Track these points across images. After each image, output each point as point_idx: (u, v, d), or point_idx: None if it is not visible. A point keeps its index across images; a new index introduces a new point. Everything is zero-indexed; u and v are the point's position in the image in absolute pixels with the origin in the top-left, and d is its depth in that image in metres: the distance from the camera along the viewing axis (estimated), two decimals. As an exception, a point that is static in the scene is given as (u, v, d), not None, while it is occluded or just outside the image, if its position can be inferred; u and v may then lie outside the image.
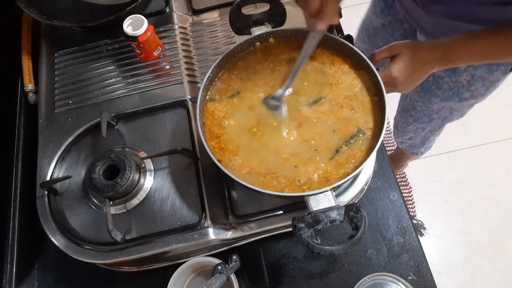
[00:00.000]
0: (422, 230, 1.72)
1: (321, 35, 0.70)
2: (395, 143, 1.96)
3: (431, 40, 0.77)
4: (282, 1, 0.77)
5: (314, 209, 0.61)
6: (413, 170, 1.84)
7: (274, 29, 0.77)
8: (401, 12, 1.00)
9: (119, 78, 0.90)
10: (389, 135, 1.98)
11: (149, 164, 0.80)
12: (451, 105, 1.09)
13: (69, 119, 0.86)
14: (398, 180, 1.35)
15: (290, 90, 0.75)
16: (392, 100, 1.17)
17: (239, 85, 0.76)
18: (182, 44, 0.93)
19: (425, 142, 1.41)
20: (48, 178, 0.79)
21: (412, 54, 0.75)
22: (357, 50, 0.73)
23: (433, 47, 0.75)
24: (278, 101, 0.73)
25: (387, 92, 0.71)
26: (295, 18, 0.94)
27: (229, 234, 0.74)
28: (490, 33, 0.72)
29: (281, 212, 0.75)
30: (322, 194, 0.62)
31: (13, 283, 0.76)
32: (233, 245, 0.77)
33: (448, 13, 0.79)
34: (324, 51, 0.78)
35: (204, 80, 0.72)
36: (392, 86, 0.77)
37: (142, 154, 0.81)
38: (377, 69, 0.72)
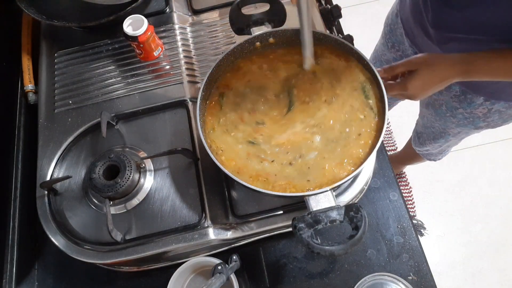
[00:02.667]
0: (422, 230, 1.72)
1: None
2: (395, 143, 1.96)
3: (450, 54, 0.75)
4: (282, 1, 0.77)
5: (314, 209, 0.61)
6: (413, 170, 1.84)
7: (274, 29, 0.77)
8: (412, 50, 0.99)
9: (119, 78, 0.90)
10: (389, 135, 1.98)
11: (149, 164, 0.80)
12: (467, 130, 1.08)
13: (69, 119, 0.86)
14: (398, 180, 1.35)
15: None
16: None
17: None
18: (182, 44, 0.93)
19: (442, 153, 1.42)
20: (48, 178, 0.79)
21: (430, 71, 0.74)
22: (357, 50, 0.73)
23: (453, 62, 0.74)
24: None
25: (399, 98, 0.71)
26: (295, 18, 0.93)
27: (229, 234, 0.74)
28: (509, 52, 0.70)
29: (281, 212, 0.75)
30: (322, 194, 0.62)
31: (13, 283, 0.76)
32: (233, 245, 0.77)
33: (467, 50, 0.76)
34: (323, 50, 0.77)
35: (204, 80, 0.72)
36: (406, 97, 0.78)
37: (142, 154, 0.81)
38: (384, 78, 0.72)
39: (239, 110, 0.74)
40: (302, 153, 0.69)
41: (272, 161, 0.69)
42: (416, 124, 1.37)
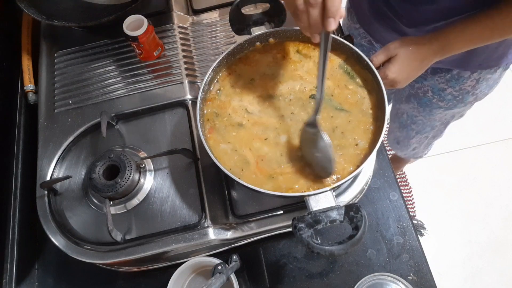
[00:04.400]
0: (422, 230, 1.72)
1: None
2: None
3: (424, 35, 0.76)
4: (282, 1, 0.77)
5: (314, 209, 0.61)
6: (413, 170, 1.84)
7: (274, 29, 0.77)
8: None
9: (119, 78, 0.90)
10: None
11: (149, 164, 0.80)
12: (454, 110, 1.08)
13: (69, 119, 0.86)
14: (398, 180, 1.35)
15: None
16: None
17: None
18: (182, 44, 0.93)
19: (428, 146, 1.41)
20: (48, 178, 0.79)
21: (408, 53, 0.74)
22: (357, 50, 0.73)
23: (430, 40, 0.74)
24: (314, 126, 0.65)
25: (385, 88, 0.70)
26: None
27: (229, 234, 0.74)
28: (488, 15, 0.71)
29: (281, 212, 0.75)
30: (322, 194, 0.62)
31: (13, 283, 0.76)
32: (233, 245, 0.77)
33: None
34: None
35: (204, 80, 0.72)
36: (390, 85, 0.77)
37: (142, 154, 0.81)
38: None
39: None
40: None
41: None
42: (389, 132, 1.35)
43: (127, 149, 0.82)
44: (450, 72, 0.94)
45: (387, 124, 0.69)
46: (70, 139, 0.84)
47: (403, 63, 0.74)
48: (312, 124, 0.65)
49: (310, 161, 0.67)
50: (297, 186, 0.67)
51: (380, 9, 0.87)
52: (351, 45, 0.74)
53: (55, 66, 0.94)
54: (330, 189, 0.62)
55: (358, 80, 0.74)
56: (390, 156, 1.57)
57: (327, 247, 0.57)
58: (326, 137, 0.64)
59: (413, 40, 0.76)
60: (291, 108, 0.73)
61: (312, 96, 0.73)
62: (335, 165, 0.65)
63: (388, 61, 0.76)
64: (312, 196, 0.62)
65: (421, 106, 1.08)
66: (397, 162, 1.72)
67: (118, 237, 0.71)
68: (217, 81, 0.76)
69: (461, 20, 0.73)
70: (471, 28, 0.73)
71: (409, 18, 0.83)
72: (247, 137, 0.71)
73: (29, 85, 0.93)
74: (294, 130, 0.71)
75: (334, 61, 0.76)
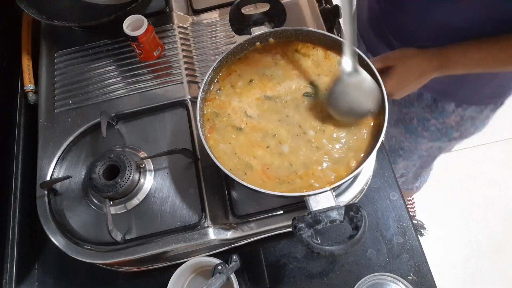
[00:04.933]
0: (422, 230, 1.72)
1: None
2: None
3: (426, 49, 0.74)
4: (282, 1, 0.77)
5: (314, 209, 0.61)
6: (413, 170, 1.84)
7: (274, 29, 0.77)
8: None
9: (119, 78, 0.90)
10: (389, 135, 1.98)
11: (149, 164, 0.80)
12: (440, 144, 1.05)
13: (69, 119, 0.86)
14: (398, 179, 1.34)
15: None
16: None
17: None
18: (182, 44, 0.93)
19: (418, 178, 1.37)
20: (48, 178, 0.79)
21: (407, 66, 0.72)
22: (357, 50, 0.73)
23: (430, 56, 0.72)
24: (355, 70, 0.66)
25: None
26: (295, 18, 0.94)
27: (229, 234, 0.74)
28: (493, 41, 0.69)
29: (281, 212, 0.74)
30: (322, 194, 0.62)
31: (13, 283, 0.76)
32: (233, 245, 0.77)
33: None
34: (322, 50, 0.77)
35: (204, 80, 0.72)
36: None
37: (142, 154, 0.81)
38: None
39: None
40: (302, 152, 0.69)
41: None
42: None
43: (127, 149, 0.82)
44: (435, 103, 0.92)
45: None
46: (70, 139, 0.84)
47: (400, 76, 0.73)
48: (350, 73, 0.66)
49: (347, 111, 0.67)
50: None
51: (377, 19, 0.85)
52: (351, 45, 0.74)
53: (55, 66, 0.94)
54: (330, 189, 0.62)
55: None
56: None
57: (327, 247, 0.57)
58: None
59: (414, 52, 0.74)
60: (285, 110, 0.73)
61: (305, 94, 0.73)
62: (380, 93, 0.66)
63: (385, 71, 0.74)
64: (312, 196, 0.62)
65: (408, 132, 1.06)
66: None
67: (118, 237, 0.71)
68: (217, 81, 0.76)
69: (465, 41, 0.71)
70: (473, 51, 0.71)
71: (394, 27, 0.80)
72: (246, 144, 0.71)
73: (29, 85, 0.93)
74: (292, 137, 0.70)
75: (333, 59, 0.76)
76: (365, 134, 0.70)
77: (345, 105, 0.68)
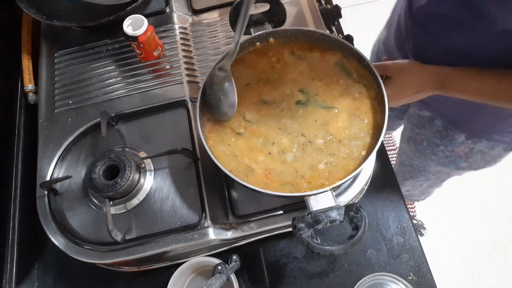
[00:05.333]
0: (422, 230, 1.72)
1: None
2: (395, 142, 1.96)
3: (430, 66, 0.73)
4: (282, 1, 0.77)
5: (314, 209, 0.61)
6: (413, 170, 1.84)
7: (274, 29, 0.77)
8: None
9: (119, 78, 0.90)
10: (389, 136, 1.98)
11: (149, 164, 0.80)
12: (448, 170, 1.04)
13: (69, 119, 0.86)
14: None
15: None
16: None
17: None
18: (182, 44, 0.93)
19: (424, 193, 1.37)
20: (48, 178, 0.79)
21: (404, 82, 0.72)
22: (357, 50, 0.73)
23: (430, 74, 0.72)
24: (225, 71, 0.68)
25: None
26: (295, 18, 0.94)
27: (229, 234, 0.74)
28: (497, 74, 0.67)
29: (281, 212, 0.74)
30: (322, 194, 0.62)
31: (13, 283, 0.76)
32: (233, 245, 0.77)
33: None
34: (319, 52, 0.77)
35: (204, 80, 0.72)
36: None
37: (142, 154, 0.81)
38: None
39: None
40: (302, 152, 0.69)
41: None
42: (394, 163, 1.33)
43: (127, 149, 0.82)
44: (445, 130, 0.91)
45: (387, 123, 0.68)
46: (70, 139, 0.84)
47: (395, 89, 0.72)
48: (222, 69, 0.68)
49: (213, 105, 0.70)
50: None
51: (402, 38, 0.85)
52: (351, 45, 0.74)
53: (55, 66, 0.94)
54: (330, 189, 0.62)
55: (358, 80, 0.74)
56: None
57: (327, 247, 0.57)
58: (233, 82, 0.69)
59: (413, 68, 0.73)
60: (283, 120, 0.72)
61: (298, 103, 0.73)
62: (235, 110, 0.70)
63: (383, 79, 0.73)
64: (312, 196, 0.62)
65: (418, 152, 1.05)
66: None
67: (118, 237, 0.71)
68: None
69: (472, 68, 0.70)
70: (474, 81, 0.69)
71: (415, 45, 0.79)
72: (246, 149, 0.70)
73: (29, 85, 0.93)
74: (298, 146, 0.70)
75: (329, 61, 0.76)
76: (365, 135, 0.70)
77: (211, 98, 0.71)
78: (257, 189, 0.64)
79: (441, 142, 0.94)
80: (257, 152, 0.70)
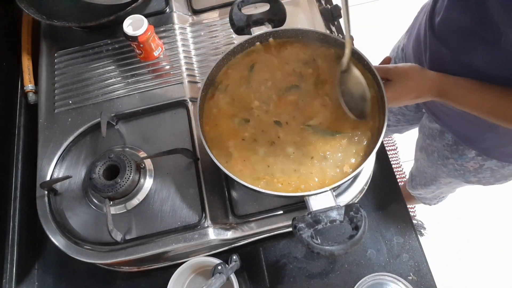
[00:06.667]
0: (422, 230, 1.71)
1: None
2: (395, 142, 1.96)
3: (432, 72, 0.73)
4: (282, 1, 0.77)
5: (314, 209, 0.61)
6: (413, 170, 1.84)
7: (274, 29, 0.77)
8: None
9: (119, 78, 0.90)
10: (390, 136, 1.98)
11: (149, 164, 0.80)
12: (459, 182, 1.04)
13: (69, 119, 0.86)
14: (398, 180, 1.34)
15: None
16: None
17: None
18: (182, 44, 0.93)
19: (437, 198, 1.37)
20: (48, 178, 0.79)
21: (404, 87, 0.72)
22: (357, 50, 0.73)
23: (431, 80, 0.72)
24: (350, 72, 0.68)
25: None
26: (295, 18, 0.94)
27: (229, 234, 0.74)
28: (499, 90, 0.66)
29: (281, 212, 0.75)
30: (322, 194, 0.62)
31: (13, 283, 0.76)
32: (233, 245, 0.77)
33: None
34: (324, 50, 0.77)
35: (204, 80, 0.72)
36: None
37: (142, 154, 0.81)
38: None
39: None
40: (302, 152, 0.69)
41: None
42: (412, 166, 1.33)
43: (127, 149, 0.82)
44: (456, 145, 0.90)
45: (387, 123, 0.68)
46: (70, 139, 0.84)
47: (395, 93, 0.72)
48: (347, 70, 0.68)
49: (351, 107, 0.69)
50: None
51: (419, 47, 0.85)
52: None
53: (55, 66, 0.94)
54: (330, 189, 0.62)
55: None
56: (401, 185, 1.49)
57: (327, 247, 0.57)
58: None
59: (414, 74, 0.73)
60: (280, 129, 0.72)
61: (308, 126, 0.72)
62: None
63: (384, 81, 0.73)
64: (312, 196, 0.62)
65: (429, 162, 1.05)
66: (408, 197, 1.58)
67: (118, 237, 0.71)
68: (217, 81, 0.76)
69: (475, 81, 0.69)
70: (474, 92, 0.69)
71: (432, 56, 0.79)
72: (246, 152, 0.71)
73: (29, 85, 0.93)
74: (290, 140, 0.70)
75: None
76: (364, 137, 0.70)
77: (349, 101, 0.70)
78: (257, 189, 0.64)
79: (451, 156, 0.93)
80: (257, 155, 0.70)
